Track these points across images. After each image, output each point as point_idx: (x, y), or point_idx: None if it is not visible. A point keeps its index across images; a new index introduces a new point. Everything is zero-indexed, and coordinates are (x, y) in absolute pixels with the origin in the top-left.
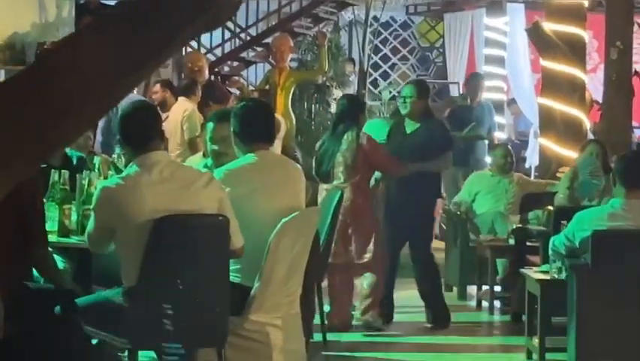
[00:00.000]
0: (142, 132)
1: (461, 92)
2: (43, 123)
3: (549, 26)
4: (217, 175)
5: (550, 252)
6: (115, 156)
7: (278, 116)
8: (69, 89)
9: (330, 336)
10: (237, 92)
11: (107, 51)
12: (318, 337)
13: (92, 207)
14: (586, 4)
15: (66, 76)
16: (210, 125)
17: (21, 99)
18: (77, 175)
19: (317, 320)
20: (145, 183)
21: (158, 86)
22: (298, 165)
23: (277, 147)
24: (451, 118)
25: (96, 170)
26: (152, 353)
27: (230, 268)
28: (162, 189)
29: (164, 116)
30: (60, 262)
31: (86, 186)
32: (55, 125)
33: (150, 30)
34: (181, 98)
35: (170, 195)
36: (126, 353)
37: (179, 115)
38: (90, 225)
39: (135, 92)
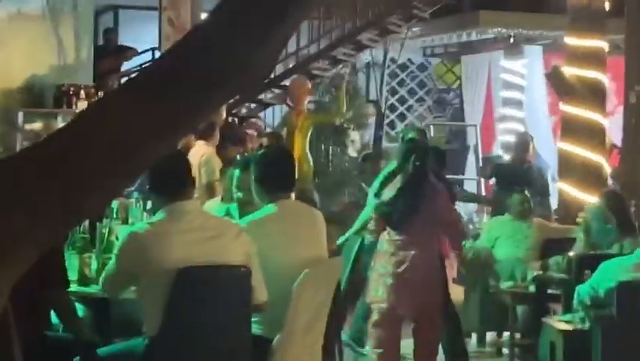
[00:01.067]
0: (174, 180)
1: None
2: (70, 194)
3: (569, 70)
4: (241, 225)
5: (575, 302)
6: (133, 200)
7: None
8: (99, 154)
9: None
10: (254, 134)
11: (134, 116)
12: None
13: (115, 251)
14: (606, 48)
15: (95, 140)
16: (237, 172)
17: (48, 169)
18: (97, 223)
19: None
20: (174, 231)
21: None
22: (320, 213)
23: None
24: (497, 177)
25: (114, 214)
26: None
27: (252, 319)
28: (191, 239)
29: None
30: (80, 310)
31: (106, 235)
32: (85, 196)
33: (175, 96)
34: (199, 142)
35: (199, 245)
36: None
37: (197, 159)
38: (109, 268)
39: None
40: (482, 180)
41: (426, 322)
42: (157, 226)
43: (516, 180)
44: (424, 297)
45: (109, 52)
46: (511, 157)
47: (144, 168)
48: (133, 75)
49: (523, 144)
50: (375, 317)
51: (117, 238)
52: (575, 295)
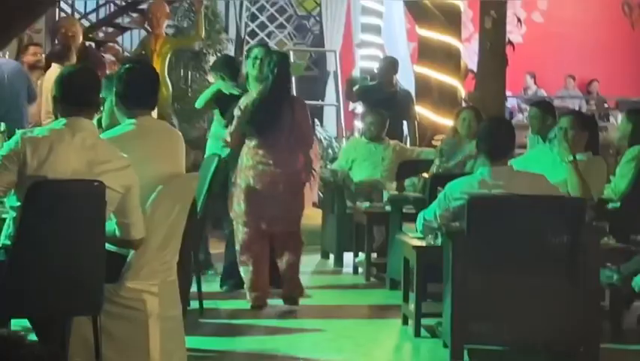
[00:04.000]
0: (82, 94)
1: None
2: None
3: None
4: None
5: (420, 228)
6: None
7: None
8: None
9: (206, 304)
10: (112, 59)
11: None
12: (195, 304)
13: (5, 151)
14: None
15: None
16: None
17: None
18: None
19: (194, 288)
20: (67, 143)
21: (38, 49)
22: (178, 132)
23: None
24: (364, 101)
25: None
26: (26, 322)
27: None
28: (77, 156)
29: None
30: None
31: None
32: None
33: None
34: (54, 65)
35: (83, 165)
36: None
37: (50, 81)
38: None
39: (7, 56)
40: (342, 104)
41: (287, 237)
42: (53, 133)
43: (382, 104)
44: (287, 212)
45: None
46: (377, 81)
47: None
48: None
49: (388, 67)
50: (241, 235)
51: None
52: (419, 222)
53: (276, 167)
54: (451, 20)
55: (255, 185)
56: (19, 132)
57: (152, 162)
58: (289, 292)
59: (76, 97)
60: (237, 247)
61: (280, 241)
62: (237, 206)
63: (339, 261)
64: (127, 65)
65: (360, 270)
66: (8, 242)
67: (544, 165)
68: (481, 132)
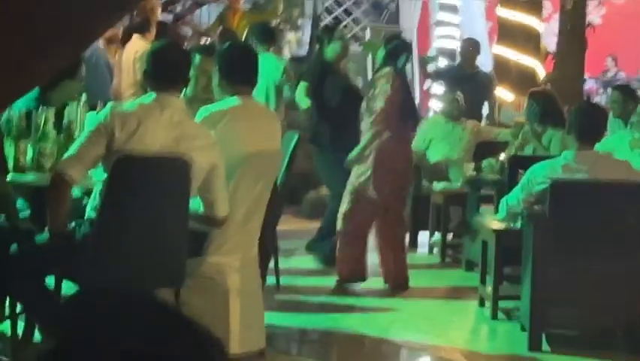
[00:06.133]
0: (172, 72)
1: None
2: (23, 53)
3: None
4: (203, 113)
5: (503, 215)
6: None
7: None
8: (46, 16)
9: (283, 280)
10: (189, 33)
11: None
12: (271, 280)
13: (90, 127)
14: None
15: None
16: (196, 57)
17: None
18: (33, 111)
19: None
20: (155, 119)
21: None
22: (274, 112)
23: None
24: (445, 80)
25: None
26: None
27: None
28: (165, 132)
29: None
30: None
31: (42, 124)
32: (35, 56)
33: None
34: (135, 36)
35: (169, 140)
36: None
37: (131, 54)
38: (75, 148)
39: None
40: (418, 83)
41: (399, 213)
42: (142, 108)
43: (462, 84)
44: (405, 188)
45: None
46: (459, 62)
47: (91, 41)
48: None
49: (471, 48)
50: (347, 206)
51: (54, 126)
52: (503, 207)
53: (400, 142)
54: (532, 0)
55: (383, 159)
56: (109, 106)
57: (256, 139)
58: (396, 276)
59: (166, 73)
60: (340, 219)
61: (391, 217)
62: (358, 179)
63: (414, 241)
64: (229, 43)
65: (435, 250)
66: (94, 214)
67: (624, 149)
68: (572, 115)
